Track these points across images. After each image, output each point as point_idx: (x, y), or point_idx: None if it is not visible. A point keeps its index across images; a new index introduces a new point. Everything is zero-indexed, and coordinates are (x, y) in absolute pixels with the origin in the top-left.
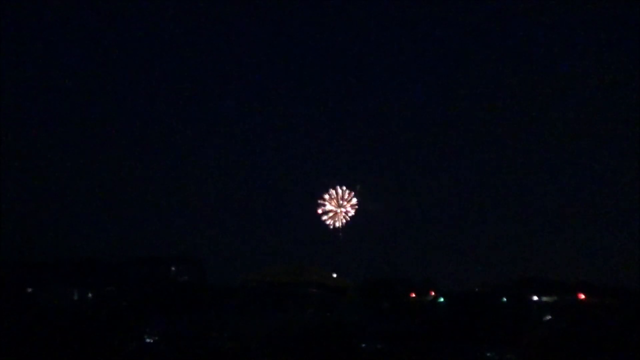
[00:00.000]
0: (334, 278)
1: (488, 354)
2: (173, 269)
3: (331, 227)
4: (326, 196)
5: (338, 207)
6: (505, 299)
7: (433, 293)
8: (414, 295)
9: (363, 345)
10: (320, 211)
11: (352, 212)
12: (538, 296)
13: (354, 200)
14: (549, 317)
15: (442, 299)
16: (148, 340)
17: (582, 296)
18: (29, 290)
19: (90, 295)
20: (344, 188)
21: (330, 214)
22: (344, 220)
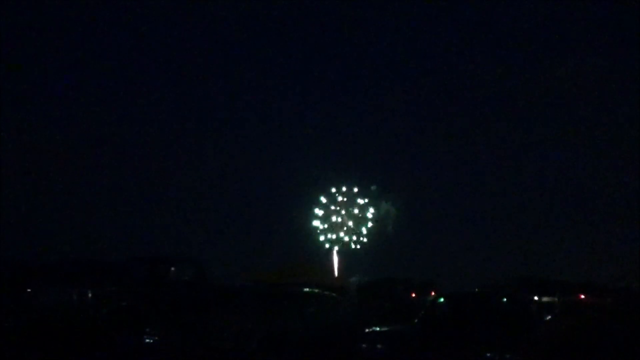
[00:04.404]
0: (334, 278)
1: (488, 354)
2: (173, 269)
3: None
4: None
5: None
6: (505, 299)
7: (433, 293)
8: (414, 295)
9: (363, 345)
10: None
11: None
12: (538, 296)
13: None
14: (549, 317)
15: (442, 299)
16: (148, 340)
17: (583, 296)
18: (29, 290)
19: (90, 295)
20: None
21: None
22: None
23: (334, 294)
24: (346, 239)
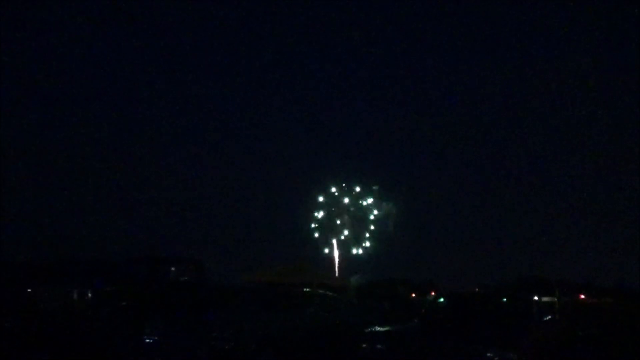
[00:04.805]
0: (334, 278)
1: (488, 354)
2: (173, 269)
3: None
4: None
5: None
6: (505, 299)
7: (433, 293)
8: (414, 295)
9: (363, 345)
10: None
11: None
12: (538, 296)
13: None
14: (549, 317)
15: (442, 299)
16: (148, 340)
17: (583, 296)
18: (29, 290)
19: (90, 295)
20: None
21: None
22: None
23: (334, 294)
24: (347, 239)
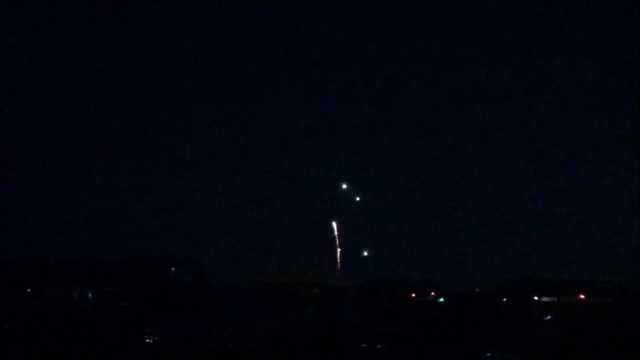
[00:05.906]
0: (334, 278)
1: (488, 354)
2: (173, 269)
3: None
4: None
5: None
6: (505, 299)
7: (433, 293)
8: (414, 295)
9: (363, 345)
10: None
11: None
12: (538, 296)
13: None
14: (549, 317)
15: (442, 299)
16: (148, 340)
17: (582, 296)
18: (29, 290)
19: (90, 295)
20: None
21: None
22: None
23: (333, 294)
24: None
